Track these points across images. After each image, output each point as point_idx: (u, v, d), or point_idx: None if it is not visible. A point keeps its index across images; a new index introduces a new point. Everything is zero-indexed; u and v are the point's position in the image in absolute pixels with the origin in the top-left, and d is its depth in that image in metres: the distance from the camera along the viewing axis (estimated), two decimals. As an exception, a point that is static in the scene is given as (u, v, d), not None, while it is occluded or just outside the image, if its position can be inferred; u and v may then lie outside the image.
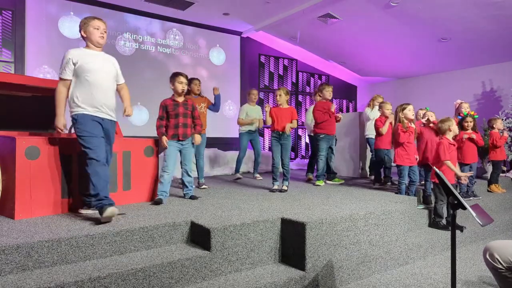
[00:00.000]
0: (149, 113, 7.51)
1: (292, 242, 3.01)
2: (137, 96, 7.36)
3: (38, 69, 6.42)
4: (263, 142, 9.27)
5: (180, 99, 4.08)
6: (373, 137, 5.58)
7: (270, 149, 7.83)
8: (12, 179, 3.07)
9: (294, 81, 9.88)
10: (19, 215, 3.05)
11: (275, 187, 4.73)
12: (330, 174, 5.73)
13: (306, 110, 9.82)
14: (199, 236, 2.89)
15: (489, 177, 5.75)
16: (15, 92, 3.96)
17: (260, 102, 8.79)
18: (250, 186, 5.30)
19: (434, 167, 2.60)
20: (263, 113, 6.35)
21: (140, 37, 7.51)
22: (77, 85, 3.06)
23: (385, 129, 5.04)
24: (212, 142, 7.36)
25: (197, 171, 5.16)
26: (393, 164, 4.88)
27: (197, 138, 4.32)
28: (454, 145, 4.10)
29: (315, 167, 5.71)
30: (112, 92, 3.26)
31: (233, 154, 7.30)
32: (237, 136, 6.32)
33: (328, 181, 5.63)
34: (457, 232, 4.02)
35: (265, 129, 9.24)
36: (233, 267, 2.82)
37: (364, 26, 7.38)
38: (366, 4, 6.50)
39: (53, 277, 2.24)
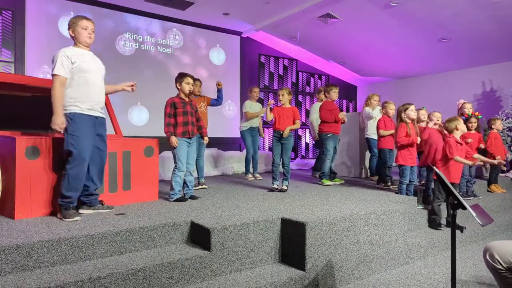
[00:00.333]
0: (149, 113, 7.51)
1: (292, 242, 3.01)
2: (137, 96, 7.36)
3: (38, 69, 6.42)
4: (263, 142, 9.27)
5: (187, 99, 4.11)
6: (375, 137, 5.56)
7: (270, 148, 7.84)
8: (12, 179, 3.07)
9: (294, 81, 9.88)
10: (19, 215, 3.05)
11: (275, 186, 4.74)
12: (330, 174, 5.73)
13: (306, 110, 9.84)
14: (199, 236, 2.89)
15: (488, 177, 5.75)
16: (15, 92, 3.96)
17: (260, 102, 8.79)
18: (250, 186, 5.30)
19: (434, 167, 2.60)
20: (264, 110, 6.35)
21: (140, 37, 7.51)
22: (73, 84, 3.08)
23: (385, 133, 5.08)
24: (212, 142, 7.34)
25: (197, 171, 5.16)
26: (393, 164, 4.88)
27: (206, 139, 4.47)
28: (461, 144, 4.10)
29: (321, 166, 5.64)
30: (104, 90, 3.34)
31: (233, 154, 7.30)
32: (238, 136, 6.31)
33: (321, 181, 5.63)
34: (457, 232, 4.02)
35: (265, 129, 9.24)
36: (233, 267, 2.82)
37: (364, 26, 7.38)
38: (366, 4, 6.50)
39: (53, 277, 2.24)
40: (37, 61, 6.41)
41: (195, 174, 4.94)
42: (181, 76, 4.06)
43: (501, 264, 2.11)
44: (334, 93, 5.47)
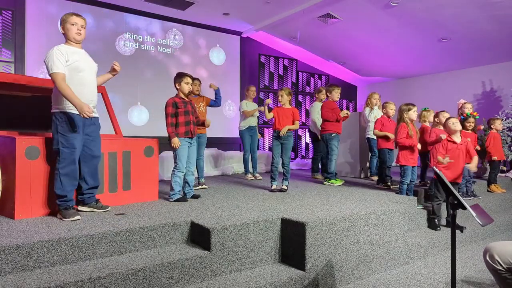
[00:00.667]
0: (149, 113, 7.51)
1: (292, 242, 3.01)
2: (137, 96, 7.36)
3: (38, 69, 6.41)
4: (263, 142, 9.27)
5: (186, 99, 4.11)
6: (375, 137, 5.57)
7: (270, 148, 7.84)
8: (12, 179, 3.07)
9: (294, 81, 9.88)
10: (19, 215, 3.05)
11: (274, 186, 4.74)
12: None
13: (306, 110, 9.84)
14: (199, 236, 2.90)
15: (488, 177, 5.75)
16: (15, 92, 3.95)
17: (260, 102, 8.79)
18: (250, 186, 5.30)
19: (434, 167, 2.60)
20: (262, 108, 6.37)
21: (140, 37, 7.51)
22: (66, 83, 3.05)
23: (379, 134, 5.13)
24: (212, 142, 7.36)
25: (197, 171, 5.16)
26: (394, 164, 4.88)
27: (208, 121, 4.53)
28: (454, 142, 4.10)
29: (327, 166, 5.61)
30: (96, 89, 3.32)
31: (233, 154, 7.30)
32: (238, 136, 6.31)
33: (328, 181, 5.62)
34: (457, 232, 4.03)
35: (265, 129, 9.24)
36: (233, 267, 2.82)
37: (364, 26, 7.38)
38: (366, 4, 6.50)
39: (53, 277, 2.24)
40: (37, 61, 6.40)
41: (196, 174, 4.95)
42: (180, 76, 4.06)
43: (501, 265, 2.11)
44: (336, 94, 5.48)
